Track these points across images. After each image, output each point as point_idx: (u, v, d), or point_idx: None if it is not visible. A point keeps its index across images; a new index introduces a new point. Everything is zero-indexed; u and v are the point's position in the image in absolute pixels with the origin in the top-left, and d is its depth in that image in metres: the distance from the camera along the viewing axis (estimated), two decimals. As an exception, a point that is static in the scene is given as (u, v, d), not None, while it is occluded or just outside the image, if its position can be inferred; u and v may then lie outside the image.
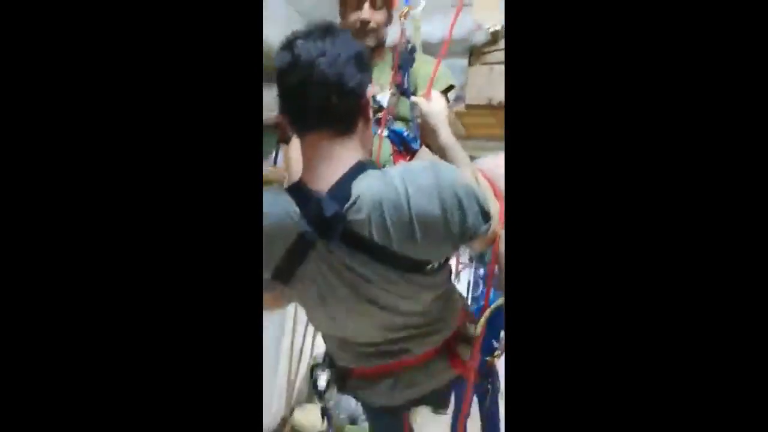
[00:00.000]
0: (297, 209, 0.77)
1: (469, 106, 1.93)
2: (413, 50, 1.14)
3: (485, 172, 0.92)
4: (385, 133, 1.15)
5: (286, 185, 1.00)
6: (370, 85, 0.81)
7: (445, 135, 0.97)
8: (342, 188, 0.76)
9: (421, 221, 0.73)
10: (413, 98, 1.06)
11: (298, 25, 0.80)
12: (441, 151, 0.97)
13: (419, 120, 1.03)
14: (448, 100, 1.26)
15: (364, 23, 1.24)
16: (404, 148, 1.15)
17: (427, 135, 1.02)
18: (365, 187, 0.75)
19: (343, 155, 0.79)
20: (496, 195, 0.87)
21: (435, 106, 1.00)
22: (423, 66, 1.23)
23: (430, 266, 0.80)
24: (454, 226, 0.75)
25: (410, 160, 1.10)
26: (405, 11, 1.05)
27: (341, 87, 0.75)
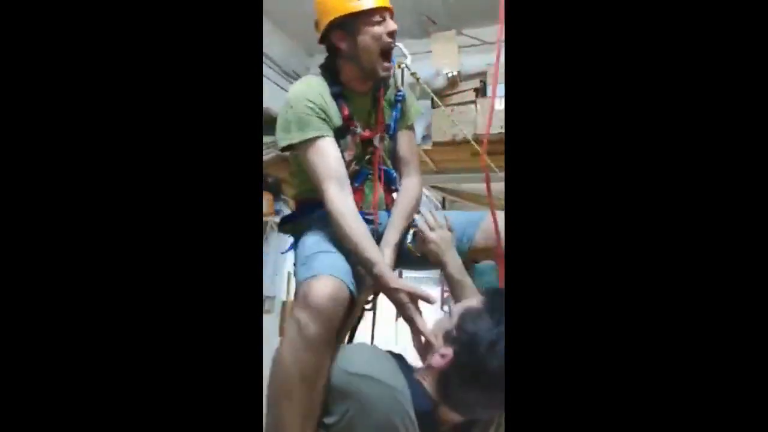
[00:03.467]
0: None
1: (435, 144, 2.11)
2: (402, 98, 1.21)
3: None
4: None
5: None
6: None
7: (452, 266, 1.02)
8: None
9: None
10: (417, 225, 1.10)
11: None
12: (448, 278, 1.03)
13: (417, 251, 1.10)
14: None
15: (392, 34, 1.08)
16: (389, 185, 1.25)
17: (431, 259, 1.07)
18: None
19: None
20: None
21: (439, 234, 1.05)
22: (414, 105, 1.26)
23: None
24: None
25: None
26: (400, 62, 1.16)
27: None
